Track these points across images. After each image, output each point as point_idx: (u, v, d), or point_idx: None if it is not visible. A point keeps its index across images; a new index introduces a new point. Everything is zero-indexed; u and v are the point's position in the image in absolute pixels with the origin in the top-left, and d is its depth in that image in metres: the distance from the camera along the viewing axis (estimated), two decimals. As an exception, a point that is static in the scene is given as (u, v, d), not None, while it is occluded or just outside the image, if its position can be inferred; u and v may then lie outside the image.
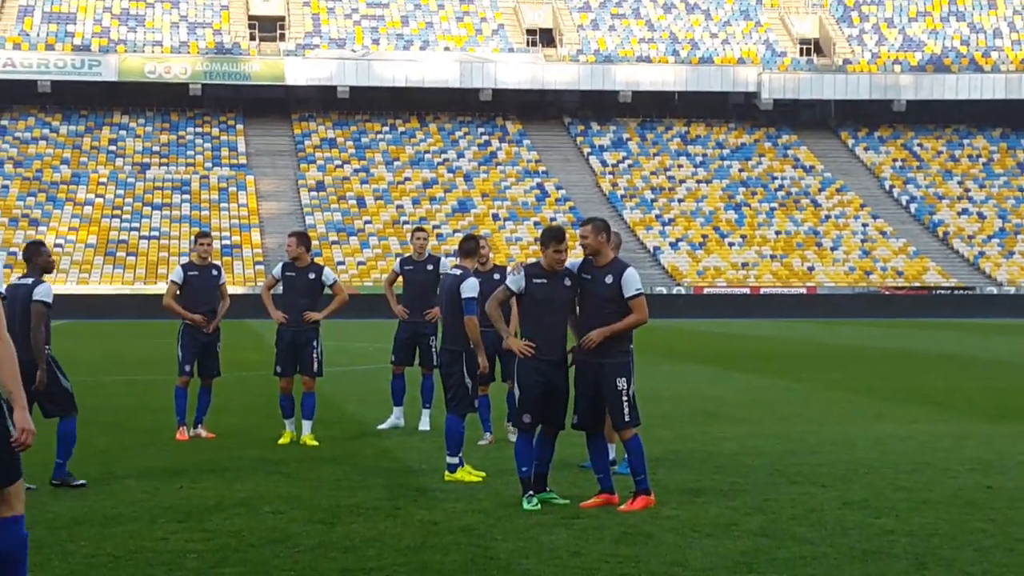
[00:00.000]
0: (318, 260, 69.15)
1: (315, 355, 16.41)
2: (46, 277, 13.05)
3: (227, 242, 75.34)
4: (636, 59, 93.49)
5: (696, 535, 10.39)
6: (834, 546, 9.96)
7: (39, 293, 12.66)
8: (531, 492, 11.72)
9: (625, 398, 11.63)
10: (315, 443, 16.07)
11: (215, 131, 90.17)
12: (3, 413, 7.05)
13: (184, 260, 17.33)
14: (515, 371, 11.99)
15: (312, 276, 16.52)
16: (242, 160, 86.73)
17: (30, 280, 12.82)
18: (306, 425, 16.35)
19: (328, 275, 16.68)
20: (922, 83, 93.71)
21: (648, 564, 9.32)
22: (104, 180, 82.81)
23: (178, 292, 16.86)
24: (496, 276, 15.21)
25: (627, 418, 11.63)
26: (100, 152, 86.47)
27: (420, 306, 17.28)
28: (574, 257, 11.98)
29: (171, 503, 11.93)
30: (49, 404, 12.76)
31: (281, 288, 16.71)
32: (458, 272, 13.52)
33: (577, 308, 11.91)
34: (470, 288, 13.20)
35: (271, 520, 11.04)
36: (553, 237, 11.75)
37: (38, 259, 13.03)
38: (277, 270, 16.78)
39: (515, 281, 11.85)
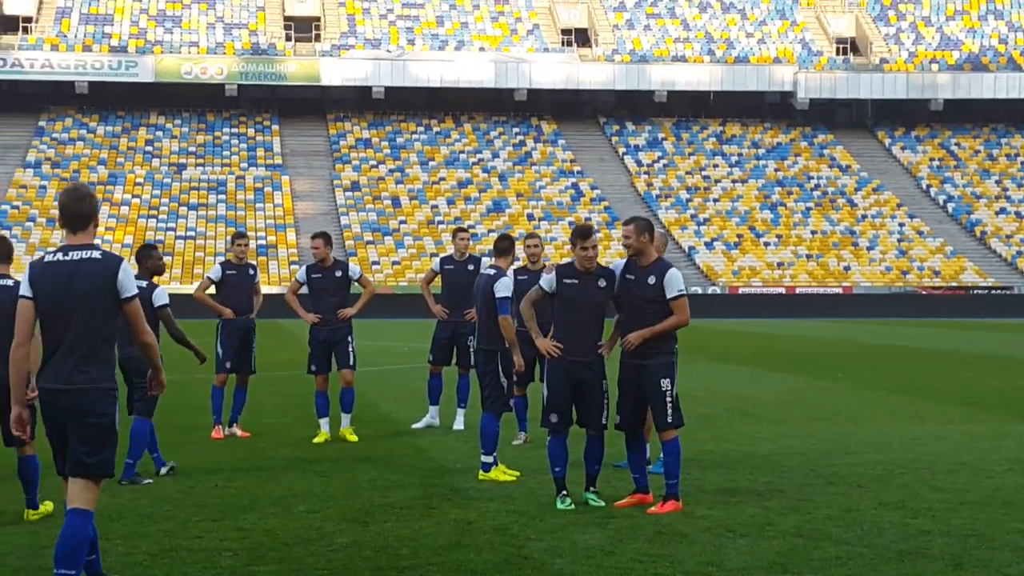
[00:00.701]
0: (352, 260, 69.40)
1: (350, 349, 16.56)
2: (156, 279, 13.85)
3: (263, 242, 75.55)
4: (671, 59, 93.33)
5: (731, 535, 10.35)
6: (870, 547, 9.91)
7: (158, 299, 13.56)
8: (564, 492, 11.71)
9: (668, 399, 11.56)
10: (354, 438, 16.23)
11: (251, 131, 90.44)
12: (115, 409, 8.17)
13: (221, 259, 17.53)
14: (544, 371, 12.04)
15: (339, 274, 16.66)
16: (278, 160, 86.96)
17: (144, 283, 13.31)
18: (345, 419, 16.55)
19: (354, 270, 16.83)
20: (960, 82, 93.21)
21: (682, 564, 9.29)
22: (141, 180, 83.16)
23: (212, 288, 16.98)
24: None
25: (670, 419, 11.57)
26: (137, 153, 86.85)
27: (460, 306, 17.23)
28: (617, 256, 12.01)
29: (206, 501, 11.96)
30: (139, 401, 13.25)
31: (308, 290, 16.76)
32: (492, 272, 13.54)
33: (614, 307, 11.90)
34: (504, 287, 13.27)
35: (305, 519, 11.06)
36: (579, 235, 11.71)
37: (148, 262, 13.78)
38: (301, 274, 16.84)
39: (547, 281, 11.83)
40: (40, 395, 8.12)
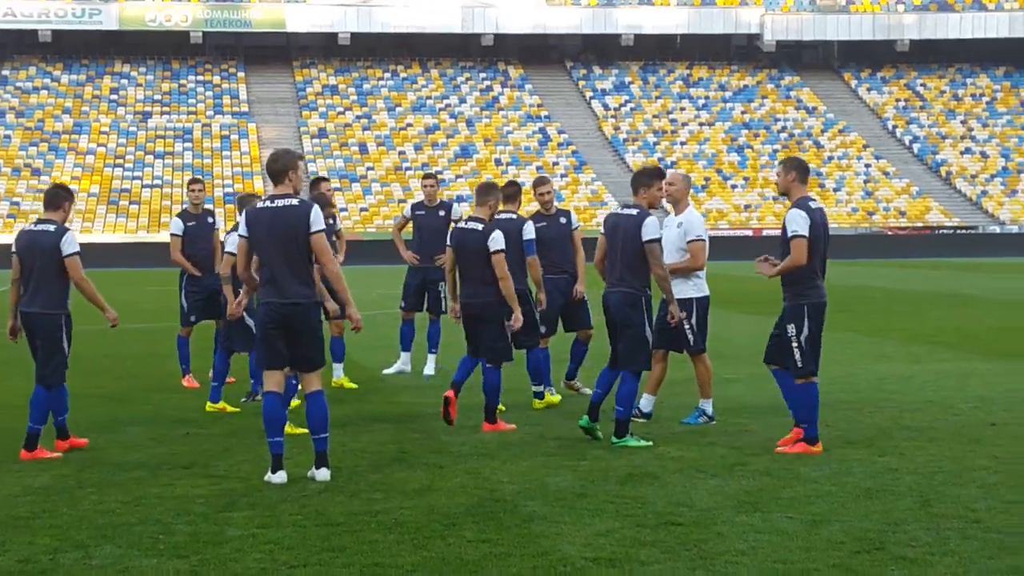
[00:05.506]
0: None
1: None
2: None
3: (229, 190, 75.28)
4: (638, 2, 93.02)
5: (702, 475, 10.44)
6: (839, 485, 10.00)
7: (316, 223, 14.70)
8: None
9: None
10: (353, 385, 16.52)
11: (216, 79, 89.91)
12: (320, 319, 10.57)
13: (181, 209, 17.55)
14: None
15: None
16: (244, 108, 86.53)
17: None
18: (338, 368, 16.63)
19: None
20: (926, 22, 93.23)
21: (654, 505, 9.36)
22: (106, 129, 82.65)
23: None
24: (563, 220, 15.11)
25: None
26: (102, 101, 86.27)
27: (431, 252, 17.29)
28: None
29: (177, 449, 11.99)
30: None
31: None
32: (514, 216, 13.76)
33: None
34: (529, 231, 13.73)
35: (278, 465, 11.10)
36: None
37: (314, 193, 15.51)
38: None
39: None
40: (265, 308, 10.42)
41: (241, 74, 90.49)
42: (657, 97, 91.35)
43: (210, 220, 17.03)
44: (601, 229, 12.29)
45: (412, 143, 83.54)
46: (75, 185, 74.76)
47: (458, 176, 79.07)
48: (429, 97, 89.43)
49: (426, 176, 17.99)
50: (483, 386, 12.93)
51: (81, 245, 12.09)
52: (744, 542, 8.28)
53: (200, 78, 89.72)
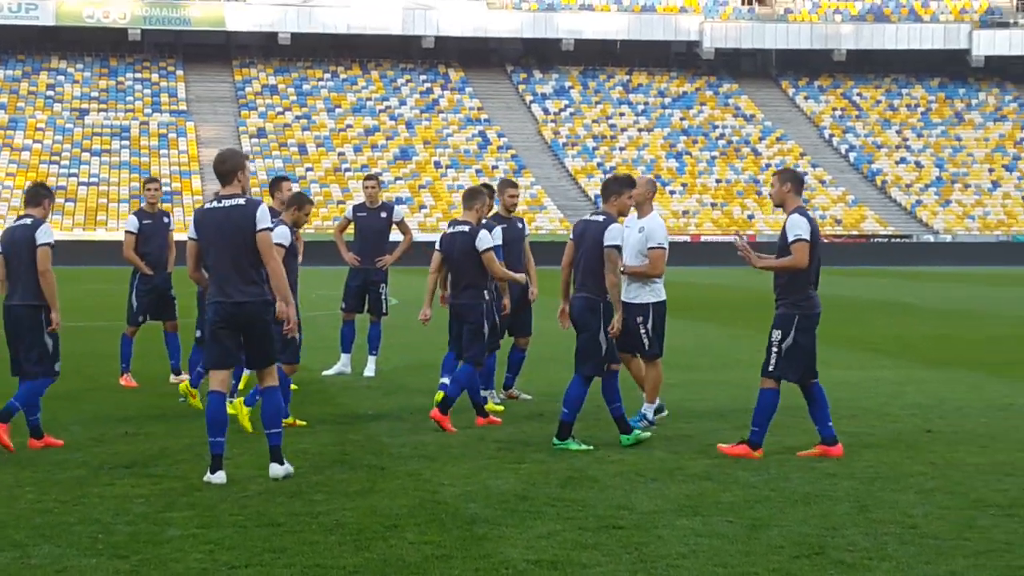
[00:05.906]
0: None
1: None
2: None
3: (167, 189, 74.78)
4: (579, 7, 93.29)
5: (642, 479, 10.50)
6: (777, 490, 10.08)
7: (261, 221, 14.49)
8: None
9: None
10: (293, 386, 16.26)
11: (155, 77, 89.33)
12: (272, 316, 10.47)
13: (138, 207, 17.49)
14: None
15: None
16: (182, 106, 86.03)
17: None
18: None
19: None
20: (862, 33, 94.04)
21: (594, 508, 9.41)
22: (42, 126, 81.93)
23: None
24: (519, 224, 15.26)
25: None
26: (38, 97, 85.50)
27: (372, 253, 17.34)
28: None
29: (117, 449, 11.92)
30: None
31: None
32: (484, 220, 13.93)
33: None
34: (498, 236, 14.01)
35: (218, 465, 11.06)
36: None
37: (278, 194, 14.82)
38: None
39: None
40: (213, 307, 10.42)
41: (180, 72, 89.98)
42: (597, 102, 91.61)
43: (165, 220, 17.03)
44: (569, 235, 12.47)
45: (351, 144, 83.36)
46: (10, 182, 74.10)
47: (397, 178, 78.97)
48: (369, 98, 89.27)
49: (367, 177, 17.97)
50: (454, 377, 13.24)
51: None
52: (685, 546, 8.34)
53: (138, 76, 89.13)
